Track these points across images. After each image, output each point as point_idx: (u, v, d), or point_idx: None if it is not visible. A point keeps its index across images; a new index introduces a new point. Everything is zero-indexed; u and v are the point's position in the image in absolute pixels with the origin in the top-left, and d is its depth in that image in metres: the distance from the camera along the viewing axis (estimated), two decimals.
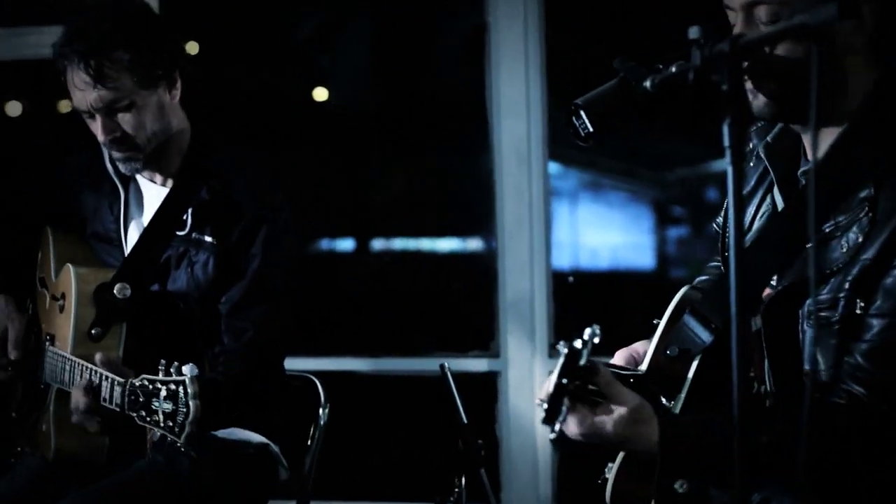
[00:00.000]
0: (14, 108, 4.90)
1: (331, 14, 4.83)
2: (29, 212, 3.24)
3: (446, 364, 2.98)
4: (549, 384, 1.98)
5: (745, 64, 1.99)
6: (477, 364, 4.40)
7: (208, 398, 2.48)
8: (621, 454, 2.19)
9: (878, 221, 2.08)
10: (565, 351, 1.98)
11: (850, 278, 2.09)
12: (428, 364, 4.31)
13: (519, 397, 4.33)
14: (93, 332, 2.91)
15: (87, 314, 2.92)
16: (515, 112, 4.29)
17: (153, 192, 3.06)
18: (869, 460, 2.11)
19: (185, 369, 2.48)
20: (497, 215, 4.35)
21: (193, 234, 2.97)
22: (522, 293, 4.31)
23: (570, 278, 4.53)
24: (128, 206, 3.09)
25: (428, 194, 4.79)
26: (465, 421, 2.93)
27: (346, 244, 5.00)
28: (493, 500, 3.02)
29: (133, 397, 2.57)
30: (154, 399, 2.52)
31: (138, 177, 3.07)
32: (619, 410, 2.07)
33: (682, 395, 2.21)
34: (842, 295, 2.10)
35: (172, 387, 2.49)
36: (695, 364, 2.21)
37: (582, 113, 2.14)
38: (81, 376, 2.82)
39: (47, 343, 3.05)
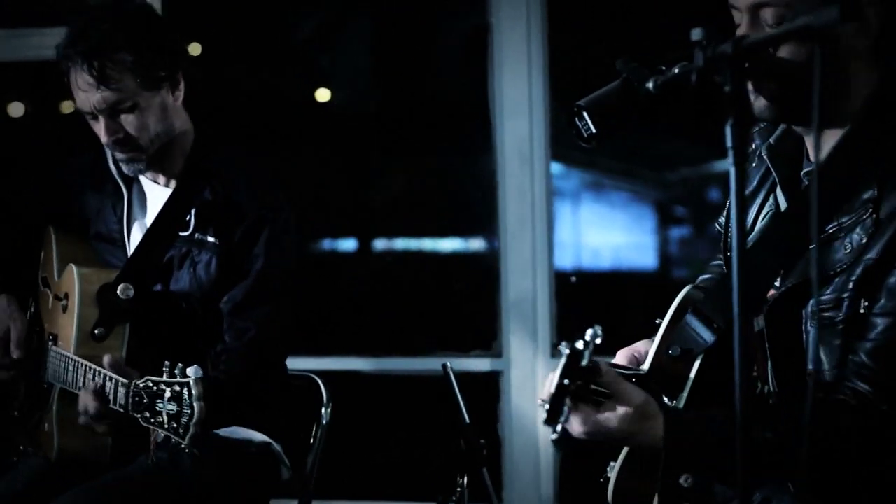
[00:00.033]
0: (16, 109, 4.90)
1: (333, 14, 4.83)
2: (30, 212, 3.24)
3: (448, 364, 2.98)
4: (551, 385, 1.98)
5: (747, 65, 1.99)
6: (479, 364, 4.40)
7: (210, 398, 2.48)
8: (624, 453, 2.19)
9: (881, 222, 2.08)
10: (567, 352, 1.98)
11: (853, 278, 2.09)
12: (430, 364, 4.30)
13: (521, 397, 4.34)
14: (96, 332, 2.91)
15: (91, 314, 2.92)
16: (518, 112, 4.30)
17: (156, 193, 3.06)
18: (871, 459, 2.11)
19: (190, 371, 2.48)
20: (499, 215, 4.35)
21: (196, 235, 2.97)
22: (525, 293, 4.32)
23: (573, 278, 4.53)
24: (131, 206, 3.09)
25: (430, 194, 4.79)
26: (468, 420, 2.94)
27: (349, 244, 5.00)
28: (495, 499, 3.02)
29: (137, 399, 2.58)
30: (158, 400, 2.52)
31: (141, 177, 3.08)
32: (625, 407, 2.07)
33: (685, 395, 2.21)
34: (846, 295, 2.10)
35: (177, 388, 2.50)
36: (697, 364, 2.21)
37: (585, 114, 2.15)
38: (85, 377, 2.82)
39: (50, 343, 3.05)
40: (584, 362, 1.98)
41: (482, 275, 4.48)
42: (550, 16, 4.29)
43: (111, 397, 2.69)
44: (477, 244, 4.78)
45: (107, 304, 2.92)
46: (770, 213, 2.32)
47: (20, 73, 4.73)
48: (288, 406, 3.15)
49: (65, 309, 2.99)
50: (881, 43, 2.16)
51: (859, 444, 2.09)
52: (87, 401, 2.73)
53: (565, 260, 4.55)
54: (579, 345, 1.97)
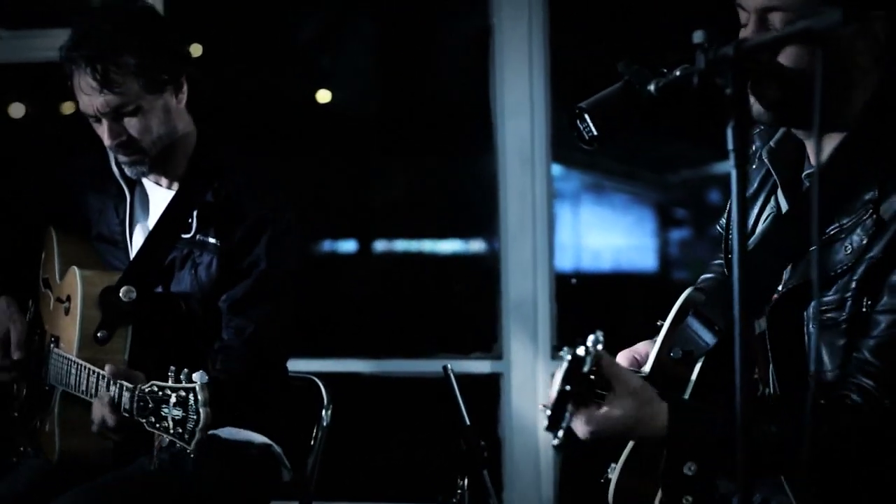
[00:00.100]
0: (17, 110, 4.90)
1: (334, 15, 4.83)
2: (30, 212, 3.25)
3: (449, 365, 2.99)
4: (553, 391, 1.98)
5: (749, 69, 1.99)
6: (479, 366, 4.40)
7: (213, 399, 2.49)
8: (625, 453, 2.19)
9: (883, 221, 2.09)
10: (568, 358, 1.98)
11: (856, 277, 2.10)
12: (431, 365, 4.30)
13: (521, 399, 4.33)
14: (98, 334, 2.91)
15: (93, 317, 2.92)
16: (519, 114, 4.30)
17: (159, 195, 3.06)
18: (872, 458, 2.12)
19: (196, 376, 2.48)
20: (500, 217, 4.35)
21: (198, 236, 2.97)
22: (525, 295, 4.32)
23: (573, 280, 4.53)
24: (133, 208, 3.09)
25: (431, 195, 4.79)
26: (468, 422, 2.95)
27: (349, 245, 5.00)
28: (496, 500, 3.03)
29: (142, 403, 2.58)
30: (164, 405, 2.52)
31: (144, 180, 3.08)
32: (625, 397, 2.06)
33: (686, 397, 2.21)
34: (848, 295, 2.11)
35: (182, 393, 2.49)
36: (698, 366, 2.21)
37: (586, 116, 2.15)
38: (88, 381, 2.82)
39: (52, 345, 3.05)
40: (586, 368, 1.98)
41: (482, 276, 4.48)
42: (552, 17, 4.29)
43: (116, 402, 2.69)
44: (477, 246, 4.78)
45: (109, 307, 2.92)
46: (771, 216, 2.33)
47: (21, 74, 4.73)
48: (288, 408, 3.16)
49: (67, 311, 2.99)
50: (886, 58, 2.17)
51: (860, 443, 2.10)
52: (103, 412, 2.71)
53: (566, 262, 4.55)
54: (580, 351, 1.97)
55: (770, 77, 2.13)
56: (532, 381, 4.32)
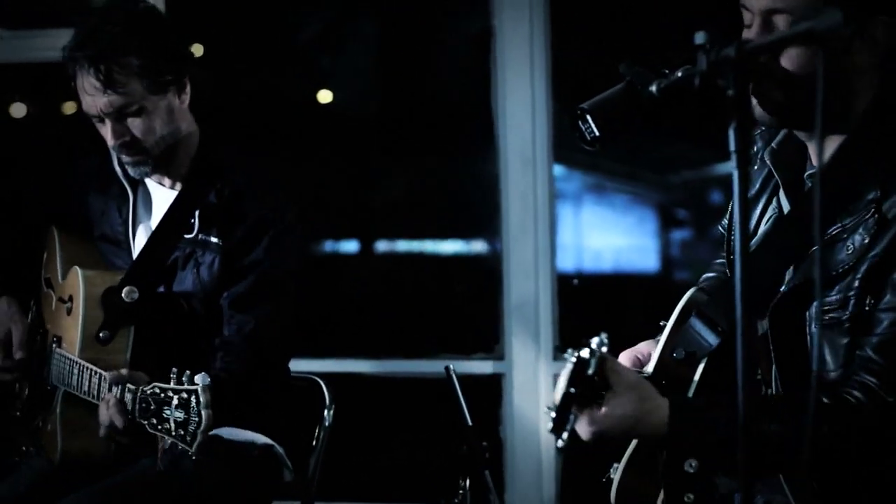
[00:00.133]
0: (18, 110, 4.90)
1: (335, 16, 4.83)
2: (32, 213, 3.25)
3: (451, 366, 2.98)
4: (557, 394, 1.98)
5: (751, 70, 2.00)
6: (481, 366, 4.40)
7: (213, 398, 2.49)
8: (628, 453, 2.19)
9: (885, 220, 2.09)
10: (573, 360, 1.97)
11: (859, 276, 2.11)
12: (432, 366, 4.30)
13: (523, 399, 4.33)
14: (101, 335, 2.91)
15: (95, 317, 2.92)
16: (520, 114, 4.30)
17: (162, 195, 3.06)
18: (874, 457, 2.12)
19: (198, 378, 2.48)
20: (502, 217, 4.35)
21: (200, 236, 2.97)
22: (527, 295, 4.32)
23: (575, 281, 4.53)
24: (136, 208, 3.09)
25: (432, 196, 4.79)
26: (470, 423, 2.94)
27: (351, 246, 5.00)
28: (497, 501, 3.02)
29: (144, 405, 2.57)
30: (165, 407, 2.52)
31: (147, 180, 3.08)
32: (624, 394, 2.06)
33: None
34: (851, 294, 2.11)
35: (184, 396, 2.49)
36: (701, 367, 2.21)
37: (588, 117, 2.15)
38: (90, 381, 2.83)
39: (54, 345, 3.05)
40: (591, 370, 1.97)
41: (484, 277, 4.48)
42: (553, 18, 4.29)
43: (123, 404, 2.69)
44: (479, 246, 4.78)
45: (111, 307, 2.92)
46: (773, 217, 2.33)
47: (22, 74, 4.73)
48: (290, 408, 3.16)
49: (69, 311, 2.99)
50: (888, 60, 2.17)
51: (861, 442, 2.10)
52: (111, 415, 2.70)
53: (567, 262, 4.55)
54: (585, 353, 1.97)
55: (772, 79, 2.13)
56: (534, 381, 4.32)
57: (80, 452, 2.95)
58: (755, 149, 2.39)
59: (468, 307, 4.66)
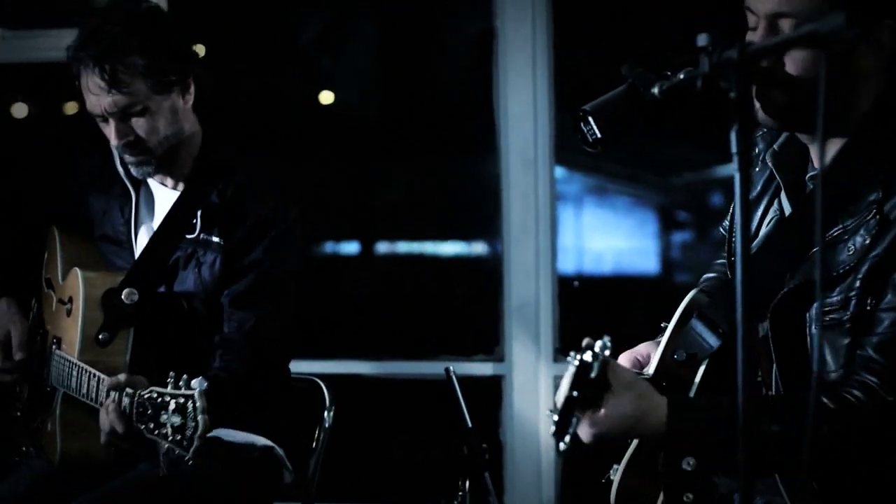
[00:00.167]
0: (20, 110, 4.90)
1: (337, 17, 4.83)
2: (33, 213, 3.25)
3: (451, 368, 2.98)
4: (560, 397, 1.98)
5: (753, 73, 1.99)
6: (482, 368, 4.40)
7: (212, 397, 2.48)
8: (629, 452, 2.19)
9: (888, 221, 2.09)
10: (576, 363, 1.97)
11: (860, 276, 2.11)
12: (433, 368, 4.30)
13: (523, 401, 4.33)
14: (100, 337, 2.91)
15: (95, 319, 2.92)
16: (522, 116, 4.29)
17: (164, 195, 3.06)
18: (874, 457, 2.12)
19: (195, 383, 2.47)
20: (503, 219, 4.35)
21: (202, 236, 2.97)
22: (527, 297, 4.31)
23: (576, 282, 4.53)
24: (138, 208, 3.09)
25: (433, 198, 4.79)
26: (470, 424, 2.94)
27: (352, 247, 5.00)
28: (497, 503, 3.02)
29: (141, 409, 2.57)
30: (163, 412, 2.51)
31: (149, 180, 3.07)
32: (622, 393, 2.06)
33: None
34: (852, 294, 2.11)
35: (181, 400, 2.49)
36: (702, 369, 2.21)
37: (590, 119, 2.15)
38: (88, 384, 2.82)
39: (54, 346, 3.05)
40: (594, 374, 1.97)
41: (485, 279, 4.48)
42: (556, 20, 4.29)
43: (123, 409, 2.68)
44: (480, 248, 4.78)
45: (111, 309, 2.92)
46: (774, 219, 2.33)
47: (23, 75, 4.73)
48: (290, 409, 3.15)
49: (69, 313, 2.99)
50: (893, 68, 2.17)
51: (861, 442, 2.10)
52: (111, 421, 2.69)
53: (568, 264, 4.55)
54: (588, 356, 1.96)
55: (774, 82, 2.13)
56: (534, 383, 4.32)
57: (80, 453, 2.95)
58: (757, 151, 2.39)
59: (468, 308, 4.66)
